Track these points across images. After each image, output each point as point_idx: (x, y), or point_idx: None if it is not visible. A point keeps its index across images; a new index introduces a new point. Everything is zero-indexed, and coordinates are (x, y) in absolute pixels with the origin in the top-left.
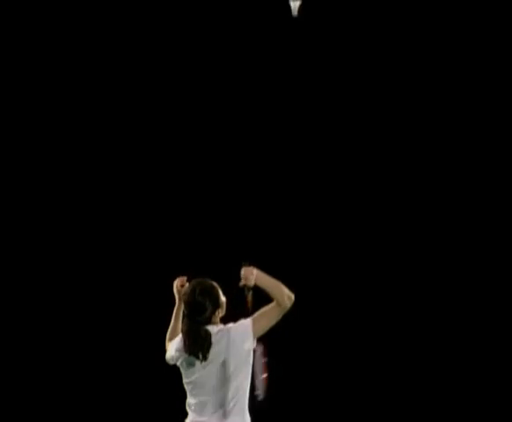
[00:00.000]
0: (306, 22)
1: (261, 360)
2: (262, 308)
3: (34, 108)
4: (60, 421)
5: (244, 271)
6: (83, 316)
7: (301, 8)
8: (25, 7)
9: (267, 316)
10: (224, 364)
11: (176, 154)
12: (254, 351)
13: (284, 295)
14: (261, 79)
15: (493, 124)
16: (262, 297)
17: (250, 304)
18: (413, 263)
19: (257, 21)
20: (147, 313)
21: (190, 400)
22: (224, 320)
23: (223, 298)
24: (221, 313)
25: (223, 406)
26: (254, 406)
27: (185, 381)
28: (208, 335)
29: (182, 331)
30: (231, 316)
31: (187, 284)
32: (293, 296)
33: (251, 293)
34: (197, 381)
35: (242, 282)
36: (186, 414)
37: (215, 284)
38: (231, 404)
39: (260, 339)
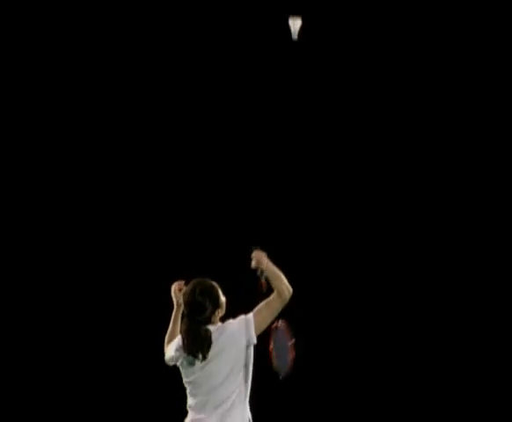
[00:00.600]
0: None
1: (286, 340)
2: (261, 302)
3: (34, 108)
4: (60, 421)
5: (256, 254)
6: (83, 317)
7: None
8: (25, 7)
9: (268, 308)
10: (224, 361)
11: (175, 155)
12: (276, 329)
13: (286, 287)
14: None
15: (493, 124)
16: (258, 296)
17: (264, 287)
18: (413, 262)
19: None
20: (147, 313)
21: (190, 399)
22: (224, 320)
23: (222, 298)
24: (221, 313)
25: (223, 404)
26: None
27: (185, 380)
28: (208, 334)
29: (181, 331)
30: (231, 316)
31: (185, 288)
32: (291, 290)
33: (264, 275)
34: (197, 380)
35: (254, 264)
36: (185, 414)
37: (215, 284)
38: (232, 402)
39: (282, 319)
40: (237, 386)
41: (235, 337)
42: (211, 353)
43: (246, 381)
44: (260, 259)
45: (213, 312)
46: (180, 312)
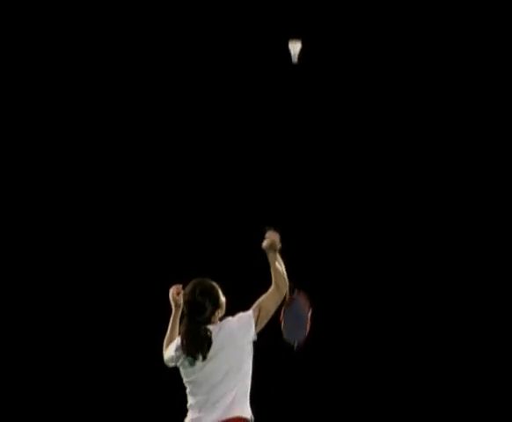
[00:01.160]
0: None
1: (303, 310)
2: (259, 298)
3: (34, 108)
4: (60, 421)
5: (269, 234)
6: (83, 317)
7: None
8: (25, 7)
9: (267, 303)
10: (224, 359)
11: (174, 158)
12: (293, 300)
13: (285, 281)
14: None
15: (494, 124)
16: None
17: None
18: (414, 262)
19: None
20: (147, 313)
21: (190, 399)
22: (223, 319)
23: (222, 298)
24: (220, 313)
25: (223, 402)
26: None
27: (185, 380)
28: (208, 334)
29: (181, 332)
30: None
31: (184, 289)
32: (287, 284)
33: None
34: (197, 379)
35: (266, 244)
36: (185, 414)
37: (214, 284)
38: (232, 400)
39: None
40: (237, 383)
41: (234, 334)
42: (211, 352)
43: (246, 378)
44: (275, 239)
45: (213, 312)
46: (178, 316)
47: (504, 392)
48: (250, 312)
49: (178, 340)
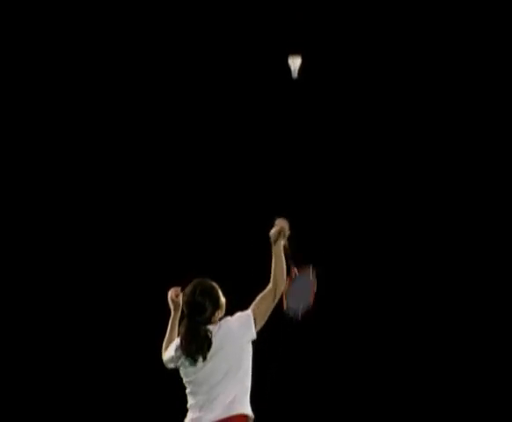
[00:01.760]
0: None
1: (308, 281)
2: (257, 296)
3: (34, 108)
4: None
5: (278, 221)
6: (82, 317)
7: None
8: (25, 7)
9: (265, 302)
10: (223, 359)
11: (173, 160)
12: (299, 271)
13: (283, 279)
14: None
15: (494, 124)
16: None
17: (288, 250)
18: (415, 261)
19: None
20: (147, 313)
21: (190, 399)
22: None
23: (222, 299)
24: (220, 314)
25: (223, 401)
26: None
27: (185, 380)
28: (207, 334)
29: (180, 332)
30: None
31: (182, 293)
32: (285, 280)
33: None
34: (197, 379)
35: (274, 232)
36: (185, 414)
37: (215, 284)
38: (232, 399)
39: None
40: (237, 383)
41: (234, 334)
42: (210, 352)
43: (246, 377)
44: (284, 226)
45: (213, 313)
46: (177, 318)
47: (504, 392)
48: (249, 311)
49: (177, 341)
